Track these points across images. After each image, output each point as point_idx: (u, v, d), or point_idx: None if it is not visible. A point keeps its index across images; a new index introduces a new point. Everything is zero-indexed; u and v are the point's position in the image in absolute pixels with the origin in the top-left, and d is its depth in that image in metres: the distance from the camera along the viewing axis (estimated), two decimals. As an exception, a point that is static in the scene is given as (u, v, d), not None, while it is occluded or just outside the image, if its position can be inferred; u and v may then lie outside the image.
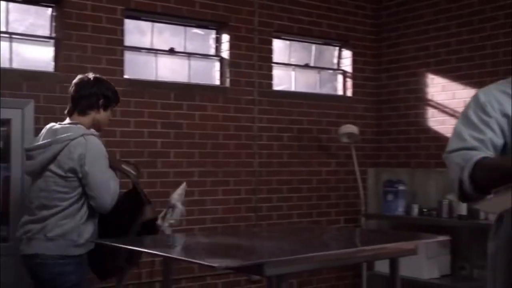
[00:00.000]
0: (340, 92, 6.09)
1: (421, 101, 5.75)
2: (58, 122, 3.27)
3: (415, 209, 5.46)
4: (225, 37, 5.28)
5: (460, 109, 5.36)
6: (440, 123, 5.59)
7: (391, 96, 6.02)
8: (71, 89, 3.30)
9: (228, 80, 5.26)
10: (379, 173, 6.02)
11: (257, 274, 2.39)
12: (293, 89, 5.84)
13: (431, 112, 5.69)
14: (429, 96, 5.69)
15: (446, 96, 5.55)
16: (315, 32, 5.76)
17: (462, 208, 5.03)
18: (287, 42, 5.81)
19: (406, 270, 5.08)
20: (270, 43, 5.50)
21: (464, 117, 1.97)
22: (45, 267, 3.09)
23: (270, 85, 5.50)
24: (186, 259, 2.52)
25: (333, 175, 5.85)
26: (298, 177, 5.63)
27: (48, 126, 3.25)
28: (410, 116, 5.85)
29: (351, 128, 5.49)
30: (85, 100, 3.24)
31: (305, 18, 5.68)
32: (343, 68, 6.09)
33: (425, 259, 5.15)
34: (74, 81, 3.32)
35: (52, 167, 3.11)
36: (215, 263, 2.28)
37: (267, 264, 2.33)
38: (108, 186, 3.11)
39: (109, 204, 3.13)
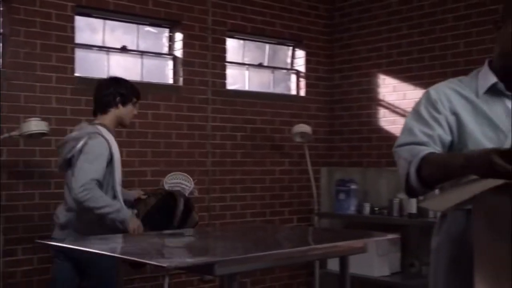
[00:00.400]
0: (293, 91, 6.13)
1: (373, 101, 5.84)
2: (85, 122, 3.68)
3: (367, 208, 5.53)
4: (179, 36, 5.24)
5: (410, 109, 5.46)
6: (391, 123, 5.68)
7: (344, 96, 6.08)
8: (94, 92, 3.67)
9: (181, 79, 5.23)
10: (331, 172, 6.09)
11: (207, 274, 2.39)
12: (246, 88, 5.84)
13: (382, 112, 5.78)
14: (381, 96, 5.78)
15: (397, 97, 5.65)
16: (268, 31, 5.78)
17: (412, 207, 5.12)
18: (241, 41, 5.82)
19: (357, 268, 5.17)
20: (224, 42, 5.49)
21: (415, 113, 2.00)
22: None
23: (224, 84, 5.50)
24: (135, 259, 2.49)
25: (286, 174, 5.88)
26: (251, 177, 5.64)
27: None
28: (362, 116, 5.93)
29: (304, 128, 5.53)
30: (103, 100, 3.57)
31: (258, 17, 5.69)
32: (296, 68, 6.13)
33: (376, 257, 5.23)
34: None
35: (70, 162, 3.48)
36: (165, 263, 2.26)
37: (217, 263, 2.33)
38: (80, 176, 3.29)
39: (76, 193, 3.28)
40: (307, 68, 6.08)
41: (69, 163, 3.51)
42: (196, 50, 5.28)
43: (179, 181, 4.15)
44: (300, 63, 6.11)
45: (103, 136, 3.45)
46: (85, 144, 3.39)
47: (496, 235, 1.58)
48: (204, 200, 5.31)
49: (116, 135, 4.80)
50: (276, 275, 5.74)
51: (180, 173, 4.23)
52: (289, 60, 6.16)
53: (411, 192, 1.94)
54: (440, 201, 1.77)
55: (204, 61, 5.33)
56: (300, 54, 6.10)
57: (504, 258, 1.51)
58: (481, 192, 1.56)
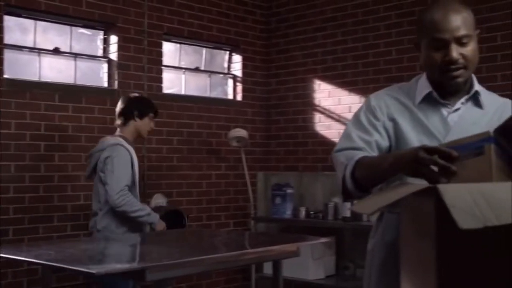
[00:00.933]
0: (230, 96, 6.14)
1: (309, 106, 5.91)
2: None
3: (303, 212, 5.59)
4: (113, 38, 5.17)
5: (345, 114, 5.59)
6: (326, 127, 5.77)
7: (280, 100, 6.13)
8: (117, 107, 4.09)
9: (116, 82, 5.15)
10: (268, 177, 6.12)
11: (138, 280, 2.36)
12: (183, 92, 5.81)
13: (318, 117, 5.86)
14: (316, 101, 5.86)
15: (332, 102, 5.74)
16: (205, 36, 5.77)
17: (346, 210, 5.21)
18: (178, 45, 5.78)
19: (292, 271, 5.22)
20: (160, 45, 5.44)
21: (355, 119, 2.04)
22: None
23: (160, 88, 5.45)
24: (61, 266, 2.43)
25: (223, 178, 5.88)
26: (188, 181, 5.61)
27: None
28: (298, 120, 5.99)
29: (241, 132, 5.54)
30: (124, 113, 4.03)
31: (195, 21, 5.67)
32: (233, 72, 6.14)
33: (311, 260, 5.29)
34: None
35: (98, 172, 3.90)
36: (94, 269, 2.21)
37: (149, 269, 2.30)
38: (114, 184, 3.75)
39: (114, 199, 3.74)
40: (243, 72, 6.10)
41: (94, 172, 3.97)
42: (132, 53, 5.22)
43: (161, 200, 4.95)
44: (237, 67, 6.12)
45: (124, 146, 3.89)
46: (109, 155, 3.84)
47: (420, 236, 1.62)
48: (139, 205, 5.24)
49: (48, 139, 4.73)
50: (212, 280, 5.72)
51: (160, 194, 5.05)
52: (226, 65, 6.16)
53: (347, 195, 1.97)
54: (367, 204, 1.79)
55: (139, 64, 5.26)
56: (237, 58, 6.12)
57: (428, 258, 1.55)
58: (407, 195, 1.60)
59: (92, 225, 3.97)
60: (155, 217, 3.98)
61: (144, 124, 4.08)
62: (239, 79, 6.12)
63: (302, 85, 5.97)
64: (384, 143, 1.98)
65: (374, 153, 1.95)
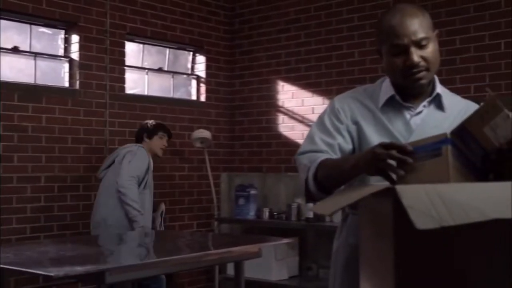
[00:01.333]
0: (194, 97, 6.11)
1: (272, 107, 5.92)
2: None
3: (266, 213, 5.60)
4: (75, 38, 5.09)
5: (309, 115, 5.62)
6: (290, 129, 5.79)
7: (244, 102, 6.13)
8: None
9: (78, 82, 5.08)
10: (232, 178, 6.11)
11: (98, 282, 2.33)
12: (146, 93, 5.76)
13: (281, 118, 5.87)
14: (280, 103, 5.88)
15: (295, 103, 5.76)
16: (169, 36, 5.74)
17: (310, 211, 5.23)
18: (141, 45, 5.73)
19: (256, 272, 5.22)
20: (123, 45, 5.39)
21: (319, 121, 2.04)
22: None
23: (123, 88, 5.40)
24: (19, 269, 2.38)
25: (187, 179, 5.85)
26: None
27: None
28: (262, 121, 6.00)
29: (204, 133, 5.52)
30: (136, 137, 4.80)
31: (159, 22, 5.64)
32: (197, 73, 6.12)
33: (274, 261, 5.30)
34: None
35: None
36: (53, 272, 2.18)
37: (109, 271, 2.27)
38: (129, 171, 4.32)
39: (123, 180, 4.29)
40: (207, 73, 6.08)
41: (109, 167, 4.54)
42: (94, 53, 5.15)
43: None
44: (200, 68, 6.10)
45: (146, 151, 4.56)
46: (131, 150, 4.49)
47: (379, 236, 1.64)
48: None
49: (7, 140, 4.64)
50: (175, 281, 5.68)
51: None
52: (189, 65, 6.13)
53: (310, 197, 1.97)
54: (327, 205, 1.81)
55: (102, 64, 5.20)
56: (201, 59, 6.10)
57: (387, 258, 1.57)
58: (365, 196, 1.62)
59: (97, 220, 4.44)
60: (142, 221, 4.33)
61: (155, 143, 4.72)
62: (202, 80, 6.10)
63: (266, 86, 5.98)
64: (347, 146, 1.99)
65: (337, 156, 1.96)
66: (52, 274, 2.13)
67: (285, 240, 3.80)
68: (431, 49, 1.91)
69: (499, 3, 4.64)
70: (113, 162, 4.55)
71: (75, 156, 5.03)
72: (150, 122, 4.85)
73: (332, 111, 2.02)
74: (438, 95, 2.00)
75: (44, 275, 2.19)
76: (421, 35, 1.88)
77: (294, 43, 5.77)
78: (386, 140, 1.94)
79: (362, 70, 5.25)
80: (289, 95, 5.82)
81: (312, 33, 5.65)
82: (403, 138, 1.94)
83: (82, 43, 5.09)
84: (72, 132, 5.01)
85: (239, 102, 6.19)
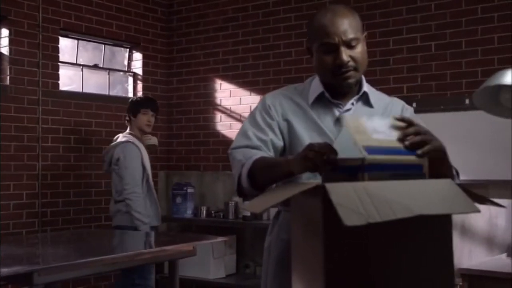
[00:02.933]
0: (130, 94, 6.03)
1: (210, 105, 5.91)
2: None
3: (204, 211, 5.58)
4: (5, 32, 4.94)
5: (246, 114, 5.63)
6: (228, 127, 5.79)
7: (182, 99, 6.10)
8: None
9: (8, 78, 4.93)
10: (169, 176, 6.07)
11: (25, 284, 2.27)
12: (82, 90, 5.65)
13: (219, 116, 5.87)
14: (218, 101, 5.87)
15: (233, 101, 5.77)
16: (104, 32, 5.64)
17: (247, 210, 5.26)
18: (75, 41, 5.61)
19: (193, 271, 5.22)
20: (56, 41, 5.27)
21: (251, 117, 2.06)
22: None
23: (56, 85, 5.27)
24: None
25: (123, 178, 5.75)
26: (86, 181, 5.46)
27: None
28: (200, 120, 5.98)
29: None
30: (126, 115, 4.72)
31: (94, 17, 5.53)
32: (134, 70, 6.04)
33: (212, 259, 5.30)
34: None
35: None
36: (-22, 273, 2.11)
37: (37, 272, 2.21)
38: (130, 180, 4.41)
39: (128, 192, 4.40)
40: (144, 70, 6.01)
41: (110, 165, 4.57)
42: (25, 48, 5.01)
43: None
44: (137, 65, 6.03)
45: (133, 143, 4.50)
46: (120, 154, 4.45)
47: (309, 233, 1.66)
48: (34, 206, 5.05)
49: None
50: (111, 281, 5.60)
51: None
52: (126, 62, 6.05)
53: (241, 193, 1.99)
54: (258, 203, 1.82)
55: (34, 60, 5.07)
56: (138, 56, 6.02)
57: (317, 253, 1.59)
58: (296, 194, 1.63)
59: (114, 211, 4.59)
60: (145, 229, 4.39)
61: (140, 120, 4.61)
62: (139, 77, 6.03)
63: (203, 84, 5.96)
64: (279, 142, 2.01)
65: (270, 152, 1.99)
66: (-24, 275, 2.06)
67: (222, 238, 3.80)
68: (359, 50, 1.96)
69: (429, 6, 4.78)
70: (110, 160, 4.56)
71: (6, 154, 4.88)
72: (135, 98, 4.87)
73: (263, 108, 2.05)
74: (365, 93, 2.06)
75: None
76: (351, 35, 1.93)
77: (232, 41, 5.77)
78: (316, 136, 1.98)
79: (299, 69, 5.30)
80: (226, 93, 5.82)
81: (249, 32, 5.67)
82: (333, 134, 1.98)
83: (13, 38, 4.94)
84: (2, 129, 4.85)
85: (177, 100, 6.14)
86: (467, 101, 4.47)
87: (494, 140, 4.32)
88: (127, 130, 4.67)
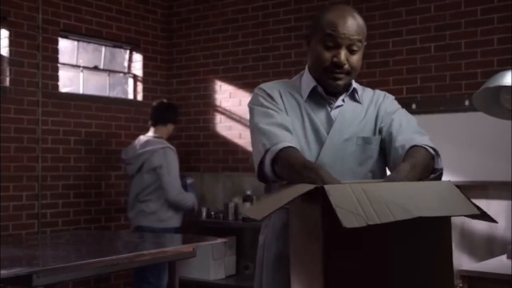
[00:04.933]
0: (130, 95, 6.03)
1: (210, 106, 5.91)
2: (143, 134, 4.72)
3: (203, 212, 5.58)
4: (4, 33, 4.94)
5: (246, 115, 5.58)
6: (227, 128, 5.79)
7: (182, 101, 6.09)
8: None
9: (8, 79, 4.93)
10: (169, 177, 6.05)
11: (25, 285, 2.26)
12: (81, 91, 5.65)
13: (219, 117, 5.87)
14: (217, 102, 5.87)
15: (233, 103, 5.77)
16: (104, 34, 5.64)
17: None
18: (75, 42, 5.62)
19: (193, 271, 5.22)
20: (56, 42, 5.27)
21: (258, 104, 2.01)
22: None
23: (56, 86, 5.27)
24: None
25: (123, 179, 5.75)
26: (85, 182, 5.46)
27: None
28: (199, 121, 5.98)
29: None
30: (161, 115, 4.75)
31: (94, 19, 5.54)
32: (133, 71, 6.04)
33: (212, 260, 5.30)
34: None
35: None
36: (-23, 275, 2.11)
37: (37, 273, 2.21)
38: (174, 185, 4.55)
39: (173, 196, 4.55)
40: (144, 72, 6.01)
41: (140, 169, 4.60)
42: (25, 49, 5.01)
43: None
44: (137, 67, 6.03)
45: (171, 148, 4.65)
46: (163, 161, 4.53)
47: (308, 235, 1.66)
48: (33, 207, 5.05)
49: None
50: (111, 283, 5.60)
51: None
52: (126, 64, 6.05)
53: (262, 177, 1.95)
54: (258, 209, 1.81)
55: (34, 61, 5.07)
56: (138, 57, 6.03)
57: (316, 256, 1.59)
58: (295, 197, 1.64)
59: (134, 211, 4.65)
60: (193, 203, 4.71)
61: (170, 129, 4.80)
62: (139, 78, 6.03)
63: (203, 85, 5.96)
64: (291, 125, 1.98)
65: (291, 132, 1.94)
66: (-25, 277, 2.06)
67: (221, 240, 3.80)
68: (357, 57, 1.99)
69: (429, 8, 4.78)
70: (143, 164, 4.59)
71: (5, 156, 4.88)
72: (174, 104, 4.99)
73: (266, 96, 2.03)
74: (354, 90, 2.09)
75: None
76: (357, 37, 1.96)
77: (232, 42, 5.78)
78: (309, 130, 2.00)
79: (299, 71, 5.21)
80: (226, 94, 5.82)
81: (249, 33, 5.67)
82: (324, 129, 2.01)
83: (13, 39, 4.94)
84: (2, 131, 4.86)
85: (177, 101, 6.13)
86: (466, 103, 4.47)
87: (493, 142, 4.32)
88: (153, 133, 4.71)
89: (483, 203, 1.62)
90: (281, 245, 2.03)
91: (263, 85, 2.09)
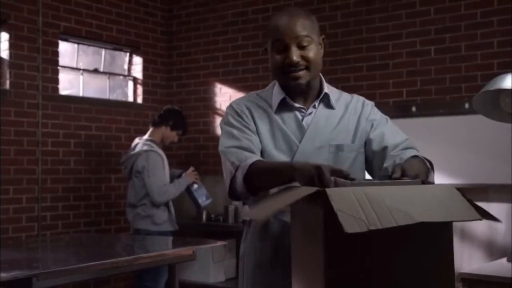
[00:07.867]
0: (130, 98, 6.04)
1: (210, 109, 5.91)
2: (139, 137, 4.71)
3: (204, 215, 5.58)
4: (4, 36, 4.94)
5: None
6: (227, 131, 5.78)
7: (182, 104, 6.09)
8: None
9: (8, 82, 4.94)
10: (169, 180, 6.05)
11: (25, 289, 2.27)
12: (81, 94, 5.65)
13: (219, 120, 5.86)
14: (218, 105, 5.87)
15: (233, 105, 5.76)
16: (104, 36, 5.65)
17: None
18: (75, 45, 5.62)
19: (193, 274, 5.22)
20: (56, 45, 5.27)
21: (227, 122, 2.05)
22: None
23: (56, 89, 5.27)
24: None
25: (122, 182, 5.74)
26: (86, 185, 5.46)
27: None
28: (200, 124, 5.98)
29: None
30: (162, 117, 4.72)
31: (94, 21, 5.54)
32: (133, 74, 6.04)
33: (212, 263, 5.30)
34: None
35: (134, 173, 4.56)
36: (-23, 279, 2.10)
37: (36, 276, 2.21)
38: (154, 187, 4.45)
39: (155, 198, 4.47)
40: (144, 75, 6.02)
41: (131, 172, 4.59)
42: (25, 52, 5.02)
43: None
44: (137, 69, 6.03)
45: (156, 152, 4.54)
46: (144, 164, 4.48)
47: (309, 239, 1.66)
48: (33, 210, 5.05)
49: None
50: (111, 286, 5.60)
51: None
52: (126, 66, 6.05)
53: (234, 195, 1.99)
54: (259, 210, 1.81)
55: (34, 64, 5.07)
56: (138, 60, 6.03)
57: (318, 260, 1.59)
58: (296, 200, 1.63)
59: (131, 217, 4.63)
60: (185, 180, 4.66)
61: (170, 135, 4.73)
62: (139, 81, 6.03)
63: (203, 88, 5.96)
64: (259, 143, 2.02)
65: (258, 152, 1.99)
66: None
67: (220, 243, 3.80)
68: (312, 51, 1.99)
69: (429, 11, 4.79)
70: (132, 167, 4.58)
71: (5, 158, 4.88)
72: (181, 111, 4.88)
73: (235, 114, 2.06)
74: (326, 95, 2.08)
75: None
76: (302, 35, 1.96)
77: (231, 45, 5.78)
78: (281, 141, 2.01)
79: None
80: (226, 97, 5.82)
81: (249, 36, 5.67)
82: (296, 138, 2.02)
83: (13, 42, 4.95)
84: (2, 134, 4.86)
85: (177, 104, 6.13)
86: (466, 105, 4.47)
87: (493, 144, 4.32)
88: (148, 136, 4.66)
89: (483, 206, 1.61)
90: (259, 255, 2.04)
91: (232, 102, 2.12)
